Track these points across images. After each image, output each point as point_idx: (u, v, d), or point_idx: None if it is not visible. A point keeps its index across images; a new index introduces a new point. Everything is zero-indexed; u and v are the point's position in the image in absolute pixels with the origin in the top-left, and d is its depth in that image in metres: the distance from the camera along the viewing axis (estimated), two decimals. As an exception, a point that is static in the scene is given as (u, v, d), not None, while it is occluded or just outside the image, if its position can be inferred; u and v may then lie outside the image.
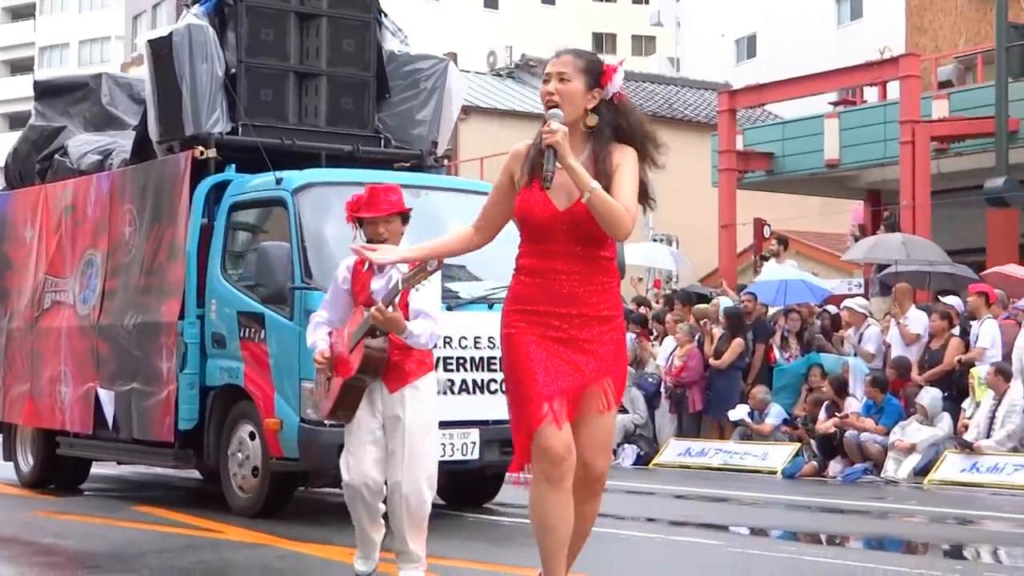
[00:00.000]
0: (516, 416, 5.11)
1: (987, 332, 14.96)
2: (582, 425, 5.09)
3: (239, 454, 9.90)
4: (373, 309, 6.31)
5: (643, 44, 56.18)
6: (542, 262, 5.10)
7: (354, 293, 6.75)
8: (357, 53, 11.23)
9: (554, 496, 4.99)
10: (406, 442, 6.60)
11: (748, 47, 39.19)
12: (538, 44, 41.17)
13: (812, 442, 15.40)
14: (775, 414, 16.00)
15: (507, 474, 5.20)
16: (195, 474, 12.75)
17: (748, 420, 15.98)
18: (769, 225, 24.31)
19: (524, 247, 5.18)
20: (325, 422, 7.97)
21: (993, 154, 19.96)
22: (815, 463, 15.15)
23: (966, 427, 14.38)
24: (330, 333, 6.85)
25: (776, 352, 17.05)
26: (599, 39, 56.26)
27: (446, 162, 14.14)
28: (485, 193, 9.38)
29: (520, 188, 5.15)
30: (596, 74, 5.14)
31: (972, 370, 14.73)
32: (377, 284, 6.61)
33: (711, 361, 16.55)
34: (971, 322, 15.40)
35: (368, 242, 6.66)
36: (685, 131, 30.33)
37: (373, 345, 6.52)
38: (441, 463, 7.24)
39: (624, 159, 5.10)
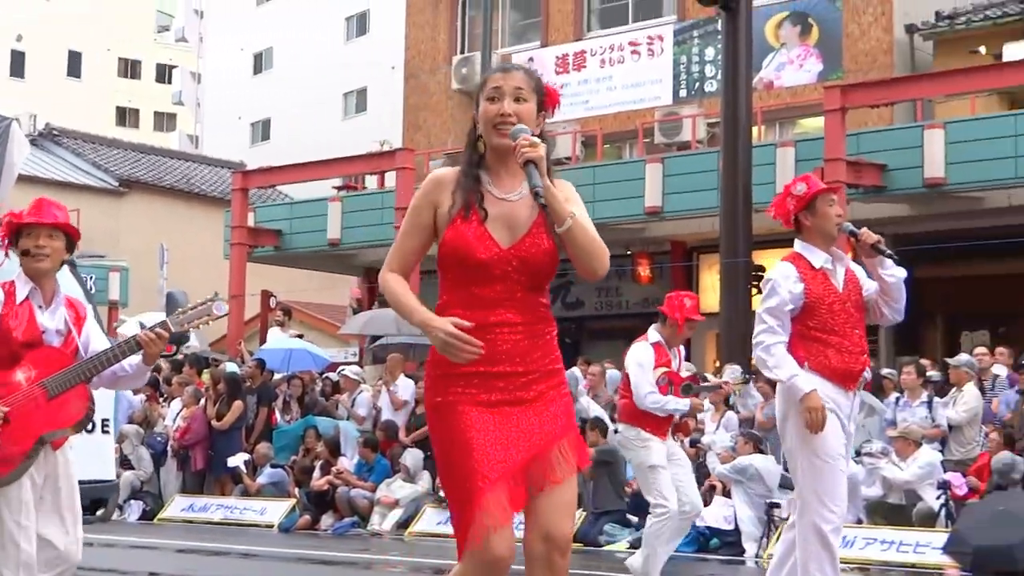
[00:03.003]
0: (457, 509, 3.94)
1: (464, 399, 15.62)
2: (542, 495, 3.94)
3: None
4: (148, 332, 5.07)
5: (164, 121, 55.10)
6: (477, 313, 3.89)
7: (5, 331, 5.09)
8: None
9: None
10: (78, 516, 5.33)
11: (263, 130, 39.31)
12: (62, 115, 39.69)
13: (305, 497, 15.55)
14: (268, 474, 16.06)
15: None
16: None
17: (243, 468, 15.93)
18: (275, 296, 24.40)
19: (451, 294, 3.97)
20: None
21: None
22: (309, 517, 15.28)
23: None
24: None
25: (278, 414, 17.13)
26: (122, 113, 54.77)
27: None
28: None
29: (450, 220, 3.95)
30: (542, 96, 4.07)
31: (450, 433, 15.32)
32: (49, 321, 5.20)
33: (213, 423, 16.39)
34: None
35: (25, 255, 5.22)
36: (202, 205, 30.09)
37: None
38: None
39: (571, 194, 4.00)
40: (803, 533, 6.06)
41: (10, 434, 4.95)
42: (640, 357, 8.48)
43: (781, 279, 6.07)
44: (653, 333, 8.56)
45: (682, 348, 8.76)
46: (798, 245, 6.21)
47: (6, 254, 5.42)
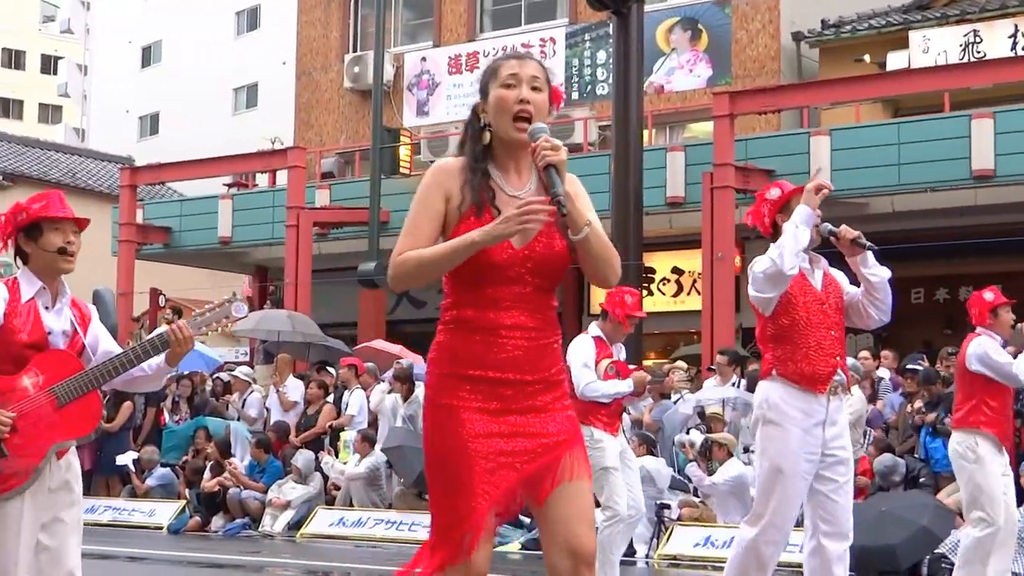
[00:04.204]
0: (442, 522, 3.71)
1: (356, 401, 15.57)
2: (557, 501, 3.70)
3: None
4: (176, 327, 4.76)
5: (50, 113, 54.01)
6: (489, 314, 3.70)
7: (11, 332, 4.65)
8: None
9: None
10: (78, 524, 4.94)
11: (151, 125, 38.66)
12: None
13: (195, 499, 15.36)
14: (157, 476, 15.84)
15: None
16: None
17: (131, 468, 15.70)
18: (164, 294, 24.03)
19: (461, 295, 3.76)
20: None
21: (367, 240, 20.60)
22: (199, 519, 15.11)
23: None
24: None
25: (167, 415, 16.89)
26: (6, 104, 53.55)
27: None
28: None
29: (461, 216, 3.73)
30: (550, 91, 3.83)
31: (341, 434, 15.27)
32: (55, 322, 4.78)
33: (102, 423, 16.10)
34: (344, 391, 15.98)
35: (61, 253, 4.75)
36: (88, 200, 29.42)
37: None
38: None
39: (577, 189, 3.78)
40: (740, 542, 6.08)
41: (18, 445, 4.53)
42: (580, 350, 8.19)
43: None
44: (594, 328, 8.35)
45: (622, 347, 8.52)
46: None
47: (5, 246, 4.89)
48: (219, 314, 4.87)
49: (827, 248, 6.18)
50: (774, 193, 6.21)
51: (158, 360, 4.80)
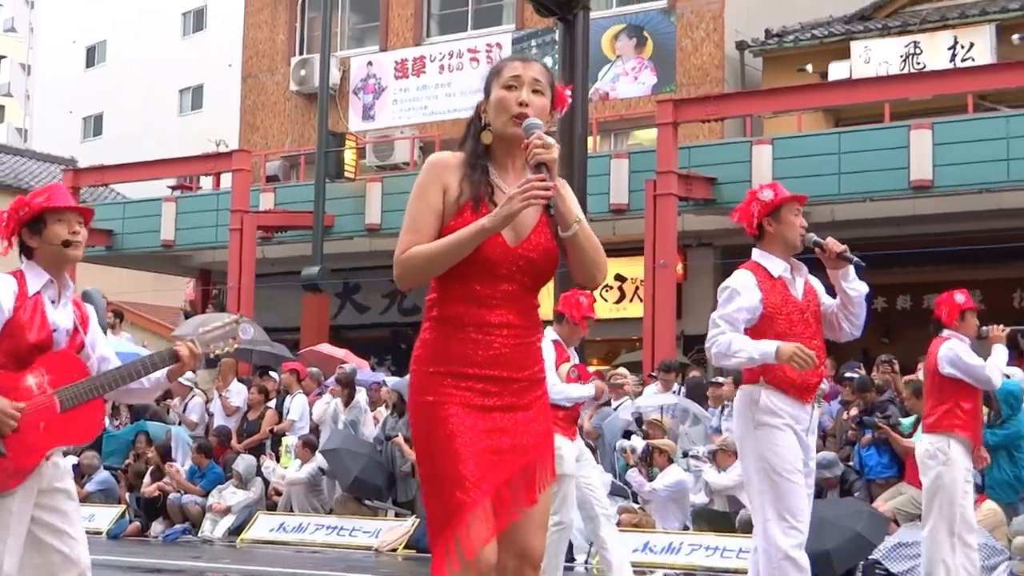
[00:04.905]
0: (437, 517, 3.68)
1: (297, 406, 15.55)
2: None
3: None
4: (189, 343, 4.74)
5: (-9, 112, 53.45)
6: (478, 311, 3.69)
7: (19, 326, 4.56)
8: None
9: None
10: (79, 521, 4.91)
11: (95, 125, 38.40)
12: None
13: (136, 503, 15.29)
14: (98, 480, 15.73)
15: None
16: None
17: (71, 472, 15.58)
18: (106, 297, 23.81)
19: (448, 290, 3.73)
20: None
21: (311, 244, 20.54)
22: (139, 523, 15.03)
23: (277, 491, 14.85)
24: None
25: (107, 420, 16.76)
26: (-54, 103, 52.91)
27: None
28: None
29: (458, 210, 3.71)
30: (553, 95, 3.83)
31: (283, 439, 15.25)
32: (60, 318, 4.69)
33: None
34: (286, 396, 15.95)
35: (66, 245, 4.69)
36: (29, 201, 29.17)
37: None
38: None
39: (566, 191, 3.79)
40: (767, 555, 5.89)
41: (18, 444, 4.45)
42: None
43: (740, 287, 5.94)
44: (551, 332, 8.21)
45: (574, 351, 8.50)
46: (756, 254, 6.10)
47: (9, 244, 4.76)
48: (226, 334, 4.87)
49: (807, 255, 6.15)
50: (767, 195, 6.11)
51: (159, 374, 4.79)
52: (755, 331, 5.90)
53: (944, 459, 8.08)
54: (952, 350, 8.11)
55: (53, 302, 4.68)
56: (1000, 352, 8.33)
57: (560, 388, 7.99)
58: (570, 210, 3.68)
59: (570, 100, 3.92)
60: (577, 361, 8.51)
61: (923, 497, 8.45)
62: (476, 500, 3.61)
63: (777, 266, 6.03)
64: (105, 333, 6.96)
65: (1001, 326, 8.70)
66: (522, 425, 3.74)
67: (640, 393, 14.47)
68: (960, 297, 8.24)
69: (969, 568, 8.19)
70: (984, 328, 8.41)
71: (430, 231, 3.70)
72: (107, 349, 4.90)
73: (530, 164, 3.65)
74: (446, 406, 3.67)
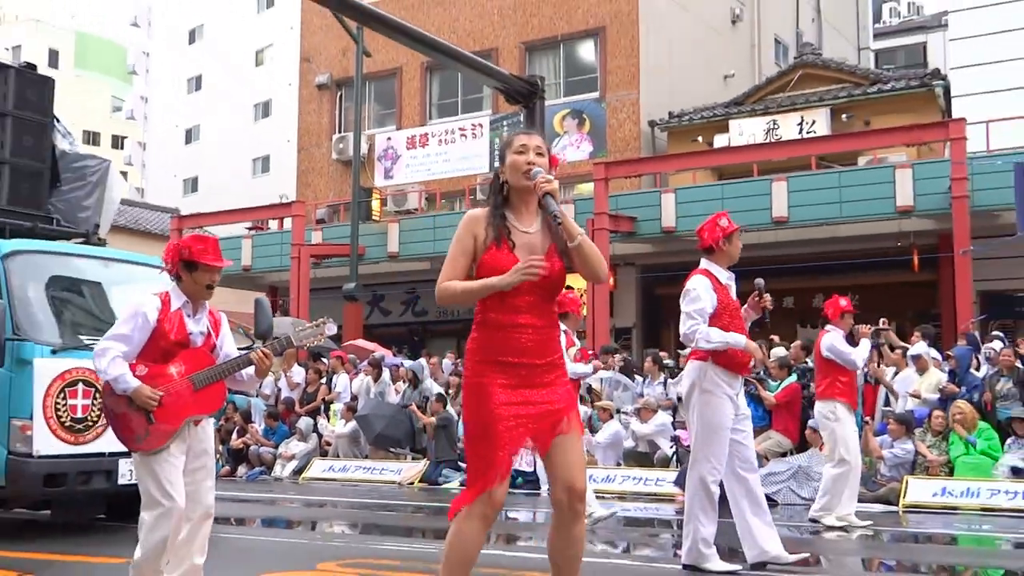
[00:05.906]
0: (476, 466, 3.64)
1: (342, 382, 15.49)
2: (557, 451, 3.67)
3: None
4: (259, 351, 4.64)
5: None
6: (509, 316, 3.67)
7: (162, 332, 4.63)
8: (35, 147, 8.99)
9: (482, 535, 3.65)
10: (211, 472, 4.77)
11: (193, 185, 38.15)
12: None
13: (227, 453, 15.21)
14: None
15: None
16: None
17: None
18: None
19: (490, 302, 3.68)
20: (33, 454, 6.89)
21: (348, 268, 20.47)
22: (229, 467, 14.95)
23: (329, 443, 14.77)
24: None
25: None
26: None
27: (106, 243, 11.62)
28: (150, 265, 7.85)
29: (486, 248, 3.69)
30: (549, 157, 3.81)
31: (332, 406, 15.19)
32: (195, 327, 4.71)
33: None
34: (333, 375, 15.89)
35: (207, 287, 4.71)
36: (148, 240, 28.95)
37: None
38: None
39: (568, 217, 3.82)
40: (692, 482, 5.85)
41: (163, 415, 4.56)
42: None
43: (702, 288, 5.83)
44: (561, 325, 7.92)
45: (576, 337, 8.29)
46: (706, 263, 5.97)
47: (173, 271, 4.72)
48: (316, 332, 4.78)
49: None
50: (723, 223, 5.99)
51: (250, 371, 4.74)
52: (712, 322, 5.82)
53: (835, 418, 8.13)
54: (830, 340, 8.13)
55: (189, 316, 4.71)
56: (864, 344, 8.38)
57: (570, 367, 7.84)
58: (574, 225, 3.67)
59: (559, 160, 3.91)
60: (580, 346, 8.34)
61: (826, 444, 8.52)
62: (504, 457, 3.59)
63: (723, 274, 5.97)
64: (271, 334, 6.89)
65: (868, 326, 8.86)
66: (544, 398, 3.67)
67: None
68: (843, 301, 8.24)
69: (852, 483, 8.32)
70: (855, 327, 8.47)
71: (462, 268, 3.70)
72: (232, 348, 4.87)
73: (539, 196, 3.66)
74: (489, 387, 3.64)
